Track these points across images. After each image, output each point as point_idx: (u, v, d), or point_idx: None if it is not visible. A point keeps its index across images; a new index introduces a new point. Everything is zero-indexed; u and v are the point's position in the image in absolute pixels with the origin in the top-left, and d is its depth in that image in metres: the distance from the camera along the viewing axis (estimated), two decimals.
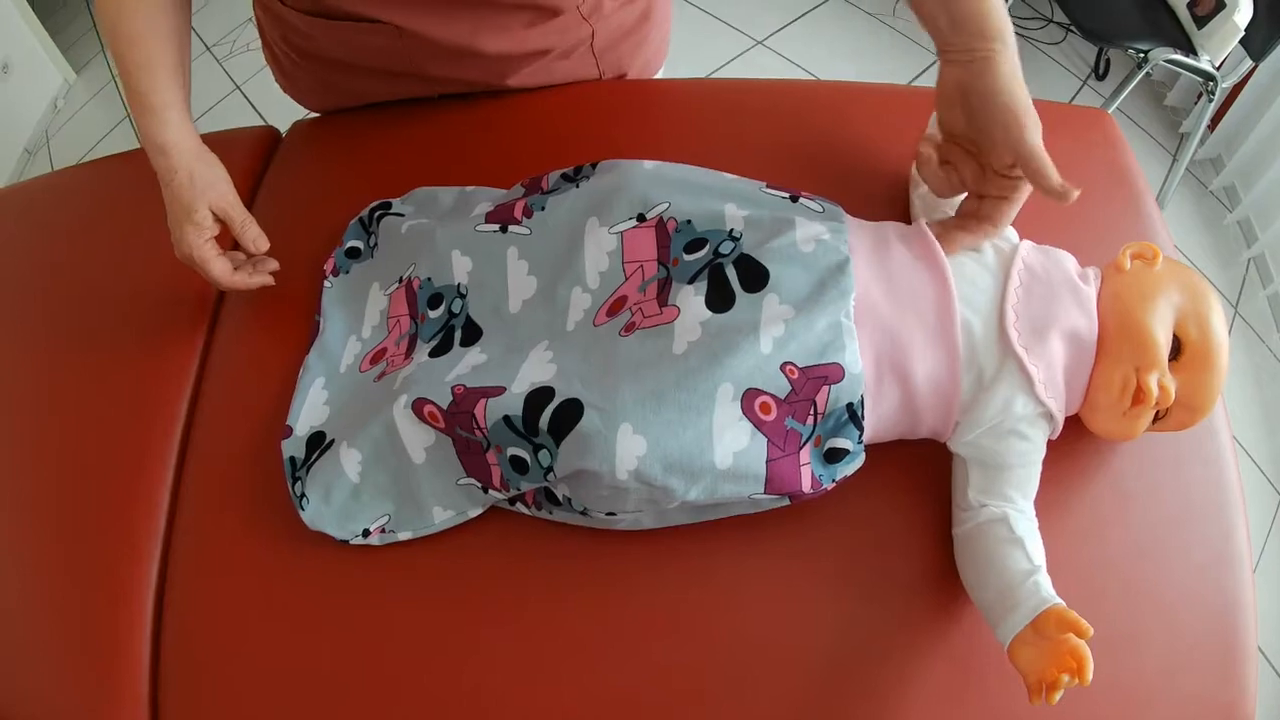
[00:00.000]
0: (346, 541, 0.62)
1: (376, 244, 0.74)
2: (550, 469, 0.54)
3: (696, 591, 0.60)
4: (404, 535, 0.62)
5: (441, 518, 0.61)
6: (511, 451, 0.56)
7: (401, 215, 0.73)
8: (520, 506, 0.61)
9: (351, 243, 0.75)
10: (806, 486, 0.54)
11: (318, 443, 0.64)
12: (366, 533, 0.62)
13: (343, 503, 0.62)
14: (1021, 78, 0.55)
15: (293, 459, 0.64)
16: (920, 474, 0.62)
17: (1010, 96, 0.54)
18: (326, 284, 0.73)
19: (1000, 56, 0.55)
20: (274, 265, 0.73)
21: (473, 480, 0.60)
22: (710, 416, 0.52)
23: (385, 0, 0.71)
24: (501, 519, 0.62)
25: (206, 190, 0.68)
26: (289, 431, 0.65)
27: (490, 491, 0.60)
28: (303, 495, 0.62)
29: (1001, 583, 0.53)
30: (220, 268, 0.68)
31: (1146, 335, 0.56)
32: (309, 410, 0.66)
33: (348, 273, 0.74)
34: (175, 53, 0.68)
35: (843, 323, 0.54)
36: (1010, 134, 0.54)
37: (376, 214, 0.75)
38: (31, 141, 2.13)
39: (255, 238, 0.71)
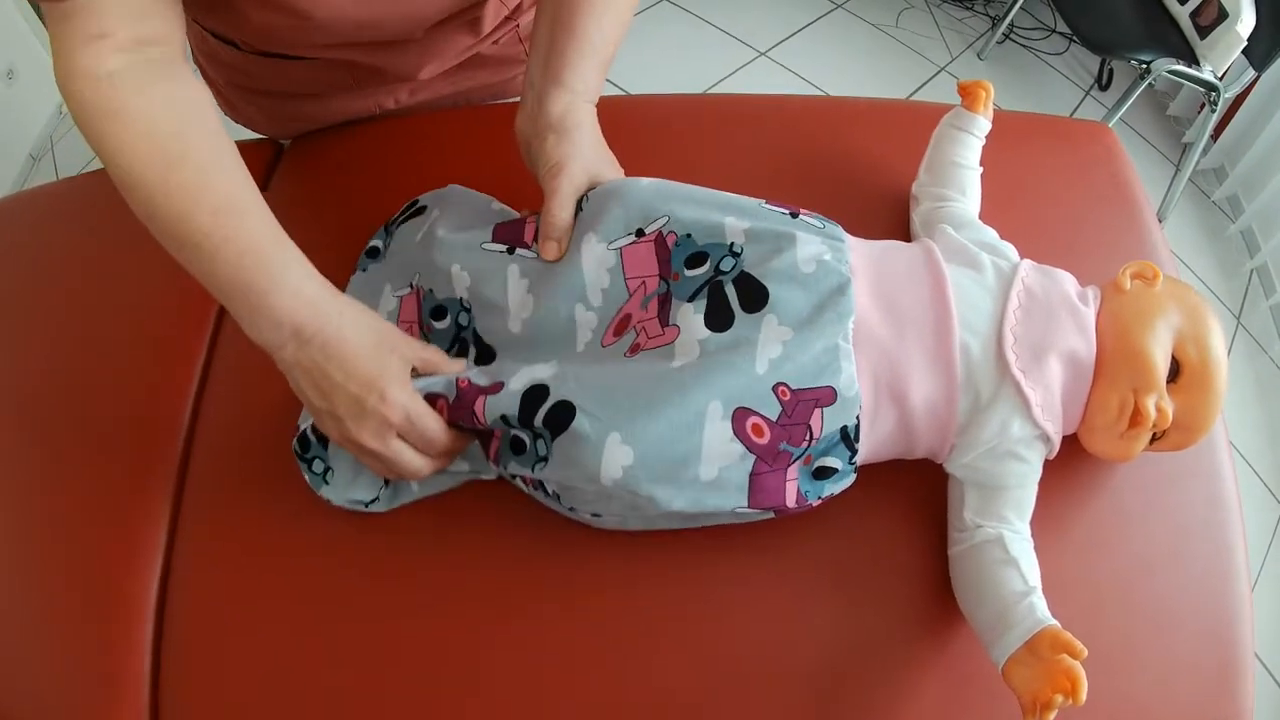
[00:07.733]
0: (366, 504, 0.63)
1: (390, 246, 0.74)
2: (544, 458, 0.55)
3: (691, 605, 0.60)
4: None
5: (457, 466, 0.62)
6: (513, 433, 0.57)
7: (422, 214, 0.73)
8: (519, 481, 0.61)
9: (373, 242, 0.75)
10: (791, 502, 0.54)
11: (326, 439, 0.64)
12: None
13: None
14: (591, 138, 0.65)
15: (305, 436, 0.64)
16: (917, 492, 0.62)
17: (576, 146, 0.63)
18: (350, 282, 0.73)
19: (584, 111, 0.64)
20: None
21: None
22: (700, 434, 0.52)
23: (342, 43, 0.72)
24: (499, 529, 0.62)
25: (385, 347, 0.59)
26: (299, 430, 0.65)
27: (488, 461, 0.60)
28: (327, 469, 0.63)
29: (997, 603, 0.53)
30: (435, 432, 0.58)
31: (1144, 357, 0.56)
32: None
33: (364, 271, 0.74)
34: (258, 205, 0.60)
35: (840, 345, 0.54)
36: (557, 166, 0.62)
37: (407, 213, 0.74)
38: (36, 147, 2.13)
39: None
